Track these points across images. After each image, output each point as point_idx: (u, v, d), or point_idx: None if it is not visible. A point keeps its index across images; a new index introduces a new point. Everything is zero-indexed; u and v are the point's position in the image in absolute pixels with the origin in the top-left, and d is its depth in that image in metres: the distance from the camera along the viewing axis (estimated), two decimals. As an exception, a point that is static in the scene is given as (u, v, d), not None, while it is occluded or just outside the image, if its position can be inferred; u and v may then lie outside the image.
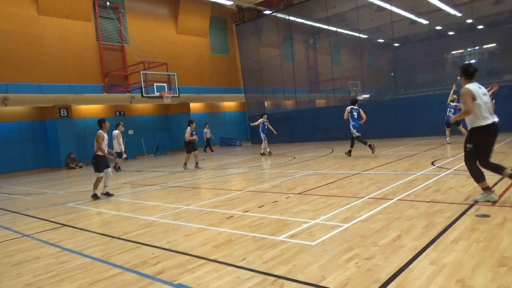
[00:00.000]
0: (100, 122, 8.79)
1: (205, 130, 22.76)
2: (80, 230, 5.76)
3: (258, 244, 4.21)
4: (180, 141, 24.88)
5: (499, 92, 13.86)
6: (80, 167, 19.67)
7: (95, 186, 8.65)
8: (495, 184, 6.02)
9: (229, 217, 5.61)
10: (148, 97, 18.42)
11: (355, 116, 11.90)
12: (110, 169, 8.78)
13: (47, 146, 20.22)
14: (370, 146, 11.35)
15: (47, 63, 18.05)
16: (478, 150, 5.15)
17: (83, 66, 19.30)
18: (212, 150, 22.72)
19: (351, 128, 11.98)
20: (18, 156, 19.19)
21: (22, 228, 6.30)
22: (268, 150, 15.90)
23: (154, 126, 24.43)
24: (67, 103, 19.89)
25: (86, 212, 7.29)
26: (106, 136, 8.70)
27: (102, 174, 8.57)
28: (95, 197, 8.64)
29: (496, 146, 11.07)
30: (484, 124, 4.97)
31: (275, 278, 3.24)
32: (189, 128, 13.39)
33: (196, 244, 4.45)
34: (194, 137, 13.39)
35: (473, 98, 4.99)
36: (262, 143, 15.97)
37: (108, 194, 8.83)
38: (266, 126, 15.66)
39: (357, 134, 11.85)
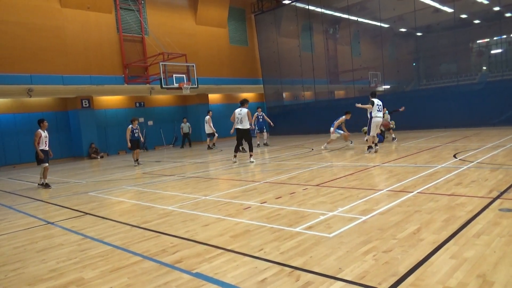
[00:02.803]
0: (39, 122, 10.06)
1: (182, 124, 21.24)
2: (102, 219, 5.90)
3: (275, 235, 4.22)
4: (198, 132, 25.12)
5: None
6: (102, 157, 20.09)
7: (44, 175, 10.02)
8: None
9: (246, 208, 5.64)
10: (168, 88, 18.60)
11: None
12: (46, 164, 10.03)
13: (69, 136, 20.71)
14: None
15: (69, 55, 18.41)
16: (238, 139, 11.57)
17: (104, 57, 19.59)
18: (182, 147, 21.64)
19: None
20: (43, 146, 19.72)
21: (47, 216, 6.51)
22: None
23: (173, 117, 24.66)
24: (89, 94, 20.27)
25: (107, 201, 7.46)
26: (44, 134, 9.88)
27: (47, 164, 9.91)
28: (46, 186, 9.92)
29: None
30: (235, 127, 11.37)
31: (291, 269, 3.25)
32: (130, 126, 13.67)
33: (214, 234, 4.50)
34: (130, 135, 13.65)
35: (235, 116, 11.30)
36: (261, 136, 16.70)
37: (46, 185, 10.04)
38: (260, 120, 16.50)
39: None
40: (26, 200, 8.47)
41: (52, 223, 5.90)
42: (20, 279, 3.67)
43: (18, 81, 16.66)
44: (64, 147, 20.52)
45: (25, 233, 5.45)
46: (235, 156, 11.82)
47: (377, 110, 10.62)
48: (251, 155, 11.54)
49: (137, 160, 13.93)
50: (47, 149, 10.10)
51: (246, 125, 11.28)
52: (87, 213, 6.40)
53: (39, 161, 9.96)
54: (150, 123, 23.42)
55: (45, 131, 10.07)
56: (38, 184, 10.24)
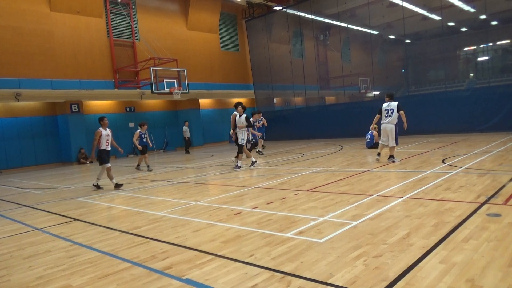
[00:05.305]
0: (99, 120, 9.57)
1: (184, 128, 20.55)
2: (90, 225, 5.83)
3: (266, 240, 4.22)
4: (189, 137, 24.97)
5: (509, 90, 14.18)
6: (91, 162, 19.87)
7: (109, 177, 9.46)
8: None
9: (237, 213, 5.63)
10: (158, 93, 18.50)
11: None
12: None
13: (58, 141, 20.48)
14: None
15: (58, 59, 18.24)
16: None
17: (94, 62, 19.46)
18: (187, 152, 20.55)
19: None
20: (30, 151, 19.48)
21: (34, 222, 6.40)
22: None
23: (164, 122, 24.56)
24: (78, 99, 20.10)
25: (96, 207, 7.38)
26: (105, 132, 9.36)
27: (109, 164, 9.39)
28: (117, 186, 9.42)
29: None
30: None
31: (282, 275, 3.25)
32: (138, 130, 13.04)
33: (204, 240, 4.47)
34: (142, 140, 13.01)
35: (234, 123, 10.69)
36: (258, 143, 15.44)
37: (98, 187, 9.63)
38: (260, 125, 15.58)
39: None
40: (13, 205, 8.33)
41: (40, 229, 5.80)
42: (6, 287, 3.59)
43: (6, 85, 16.43)
44: (53, 152, 20.29)
45: (11, 240, 5.35)
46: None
47: (384, 116, 9.61)
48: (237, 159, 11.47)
49: (148, 165, 13.21)
50: (109, 148, 9.48)
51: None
52: (75, 219, 6.32)
53: (101, 161, 9.38)
54: (141, 128, 23.27)
55: (107, 129, 9.48)
56: (93, 185, 9.76)
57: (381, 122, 9.74)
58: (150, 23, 21.74)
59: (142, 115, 23.56)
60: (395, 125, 9.49)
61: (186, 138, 20.69)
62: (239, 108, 11.02)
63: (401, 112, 9.45)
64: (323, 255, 3.62)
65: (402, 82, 22.04)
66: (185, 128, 20.58)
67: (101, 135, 9.26)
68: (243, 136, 10.99)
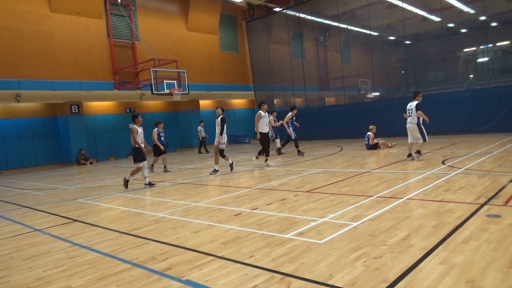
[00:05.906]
0: (133, 118, 9.52)
1: (199, 128, 20.08)
2: (90, 226, 5.83)
3: (266, 241, 4.21)
4: (189, 138, 25.05)
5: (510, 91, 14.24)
6: (91, 163, 19.87)
7: (132, 173, 9.45)
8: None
9: (237, 214, 5.63)
10: (158, 94, 18.52)
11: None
12: (145, 162, 9.32)
13: (58, 142, 20.48)
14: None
15: (59, 60, 18.25)
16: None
17: (94, 63, 19.47)
18: (207, 151, 19.71)
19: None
20: (30, 152, 19.48)
21: (34, 223, 6.40)
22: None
23: (164, 123, 24.31)
24: (78, 100, 20.11)
25: (96, 208, 7.37)
26: (140, 130, 9.29)
27: (141, 164, 9.22)
28: (126, 184, 9.30)
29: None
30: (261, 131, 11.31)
31: (282, 276, 3.25)
32: (156, 129, 12.74)
33: (204, 241, 4.47)
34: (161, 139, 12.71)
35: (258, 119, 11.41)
36: (287, 142, 14.92)
37: (150, 184, 9.44)
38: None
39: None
40: (13, 206, 8.32)
41: (40, 230, 5.80)
42: (6, 288, 3.59)
43: (6, 86, 16.45)
44: (53, 153, 20.28)
45: (11, 241, 5.35)
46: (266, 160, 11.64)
47: (408, 116, 9.88)
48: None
49: (152, 165, 12.90)
50: (143, 146, 9.31)
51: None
52: (75, 220, 6.32)
53: (137, 159, 9.16)
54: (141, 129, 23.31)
55: (140, 127, 9.37)
56: (145, 184, 9.42)
57: (406, 122, 9.99)
58: (150, 24, 21.76)
59: (142, 116, 23.37)
60: (416, 124, 9.66)
61: (201, 138, 20.16)
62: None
63: (418, 112, 9.60)
64: (323, 256, 3.61)
65: (402, 83, 22.05)
66: (200, 128, 20.17)
67: (137, 133, 9.15)
68: (223, 140, 10.84)
